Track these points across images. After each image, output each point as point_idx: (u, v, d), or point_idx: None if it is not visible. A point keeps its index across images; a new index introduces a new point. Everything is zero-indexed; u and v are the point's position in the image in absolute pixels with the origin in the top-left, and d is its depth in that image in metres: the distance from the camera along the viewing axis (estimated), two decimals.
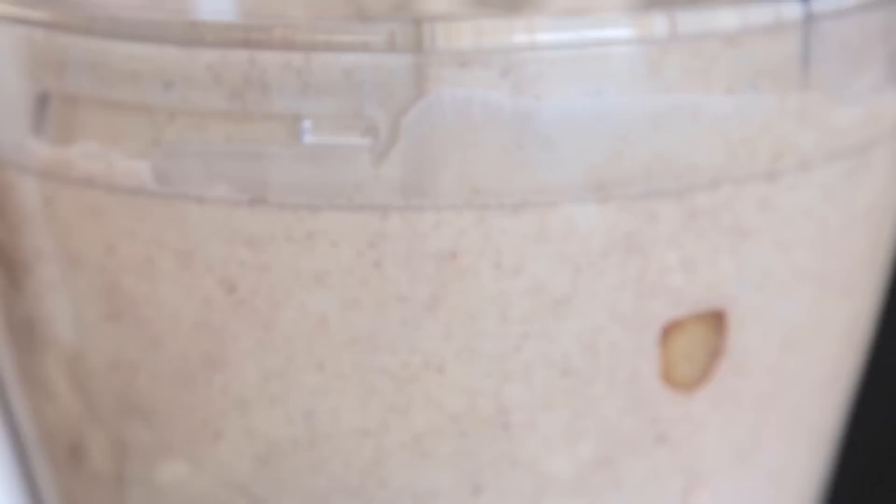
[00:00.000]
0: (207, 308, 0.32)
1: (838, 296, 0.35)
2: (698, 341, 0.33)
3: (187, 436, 0.34)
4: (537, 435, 0.33)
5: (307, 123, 0.30)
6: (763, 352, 0.34)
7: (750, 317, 0.33)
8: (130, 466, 0.35)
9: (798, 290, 0.34)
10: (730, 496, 0.36)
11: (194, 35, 0.30)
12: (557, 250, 0.31)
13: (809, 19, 0.32)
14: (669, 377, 0.33)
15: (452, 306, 0.31)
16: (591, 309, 0.32)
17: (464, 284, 0.31)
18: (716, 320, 0.33)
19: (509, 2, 0.36)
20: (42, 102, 0.32)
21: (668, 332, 0.32)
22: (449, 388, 0.32)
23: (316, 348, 0.32)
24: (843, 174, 0.34)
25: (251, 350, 0.32)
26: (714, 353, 0.33)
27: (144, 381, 0.33)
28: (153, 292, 0.32)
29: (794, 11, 0.31)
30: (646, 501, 0.35)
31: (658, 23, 0.30)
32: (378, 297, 0.31)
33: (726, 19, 0.31)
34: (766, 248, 0.33)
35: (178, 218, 0.32)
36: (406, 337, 0.32)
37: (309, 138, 0.30)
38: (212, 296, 0.32)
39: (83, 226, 0.33)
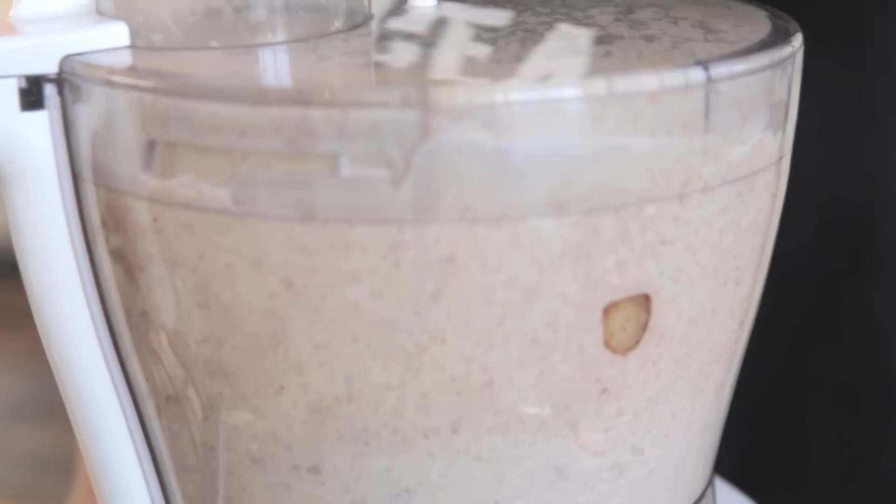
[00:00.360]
0: (272, 299, 0.35)
1: (732, 286, 0.38)
2: (631, 317, 0.36)
3: (257, 390, 0.36)
4: (513, 389, 0.35)
5: (344, 160, 0.33)
6: (677, 326, 0.37)
7: (668, 301, 0.36)
8: (214, 411, 0.37)
9: (702, 282, 0.37)
10: (646, 429, 0.38)
11: (261, 97, 0.33)
12: (527, 253, 0.34)
13: (709, 82, 0.34)
14: (609, 344, 0.36)
15: (451, 295, 0.34)
16: (551, 296, 0.35)
17: (459, 279, 0.34)
18: (644, 301, 0.35)
19: (490, 69, 0.36)
20: (150, 147, 0.35)
21: (609, 309, 0.35)
22: (449, 356, 0.35)
23: (352, 327, 0.34)
24: (735, 196, 0.36)
25: (304, 328, 0.35)
26: (642, 326, 0.36)
27: (226, 352, 0.36)
28: (232, 287, 0.35)
29: (698, 76, 0.34)
30: (588, 434, 0.37)
31: (599, 85, 0.33)
32: (397, 289, 0.34)
33: (649, 82, 0.34)
34: (679, 251, 0.36)
35: (250, 231, 0.34)
36: (418, 318, 0.34)
37: (345, 171, 0.33)
38: (275, 289, 0.35)
39: (181, 237, 0.35)
